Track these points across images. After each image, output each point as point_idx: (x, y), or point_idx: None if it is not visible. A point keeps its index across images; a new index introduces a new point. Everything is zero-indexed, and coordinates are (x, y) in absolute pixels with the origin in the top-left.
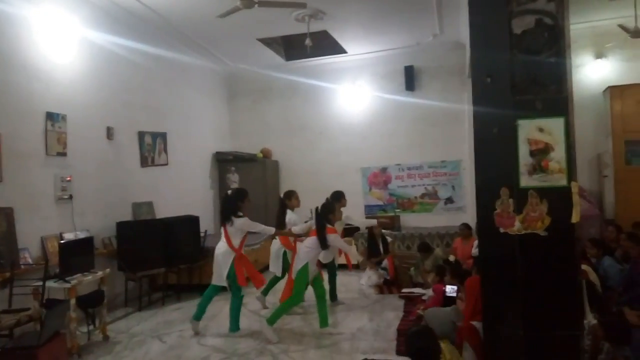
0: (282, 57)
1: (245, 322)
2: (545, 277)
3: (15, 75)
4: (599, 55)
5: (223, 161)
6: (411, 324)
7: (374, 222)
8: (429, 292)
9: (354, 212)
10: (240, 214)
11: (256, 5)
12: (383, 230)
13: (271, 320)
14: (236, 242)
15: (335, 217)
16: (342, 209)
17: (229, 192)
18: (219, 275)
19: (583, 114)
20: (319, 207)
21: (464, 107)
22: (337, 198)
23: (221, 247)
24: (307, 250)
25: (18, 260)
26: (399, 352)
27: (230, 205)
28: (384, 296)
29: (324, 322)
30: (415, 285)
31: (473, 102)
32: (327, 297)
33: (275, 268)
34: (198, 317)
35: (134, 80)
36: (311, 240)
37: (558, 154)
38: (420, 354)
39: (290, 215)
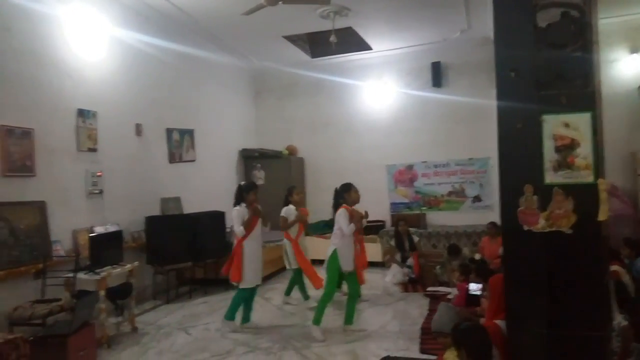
0: (307, 54)
1: (268, 316)
2: (571, 276)
3: (47, 73)
4: (634, 49)
5: (249, 158)
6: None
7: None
8: (454, 290)
9: (379, 210)
10: (243, 204)
11: (280, 3)
12: (409, 229)
13: (316, 320)
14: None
15: (351, 198)
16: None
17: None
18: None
19: (617, 110)
20: (338, 187)
21: (492, 104)
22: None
23: None
24: (332, 239)
25: (51, 253)
26: (422, 351)
27: (236, 195)
28: (409, 294)
29: (349, 320)
30: (440, 284)
31: (497, 98)
32: None
33: (289, 263)
34: (247, 319)
35: (162, 78)
36: (335, 228)
37: (584, 150)
38: (478, 348)
39: (286, 209)
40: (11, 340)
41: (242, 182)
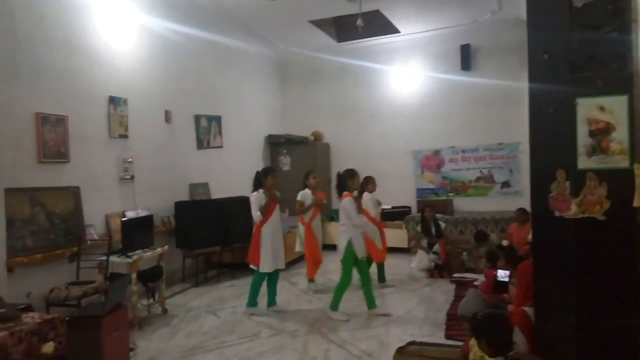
0: (333, 38)
1: (294, 300)
2: (602, 263)
3: (79, 61)
4: None
5: (275, 144)
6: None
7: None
8: (481, 277)
9: (405, 196)
10: (260, 190)
11: None
12: (436, 215)
13: (333, 307)
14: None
15: (354, 185)
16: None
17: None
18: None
19: None
20: (341, 171)
21: (524, 87)
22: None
23: None
24: (342, 229)
25: (84, 236)
26: (448, 337)
27: (255, 181)
28: (435, 280)
29: (371, 304)
30: (467, 270)
31: (529, 80)
32: (375, 278)
33: (300, 246)
34: (272, 302)
35: (190, 66)
36: (343, 218)
37: (620, 135)
38: (498, 337)
39: (302, 193)
40: (49, 320)
41: (260, 168)
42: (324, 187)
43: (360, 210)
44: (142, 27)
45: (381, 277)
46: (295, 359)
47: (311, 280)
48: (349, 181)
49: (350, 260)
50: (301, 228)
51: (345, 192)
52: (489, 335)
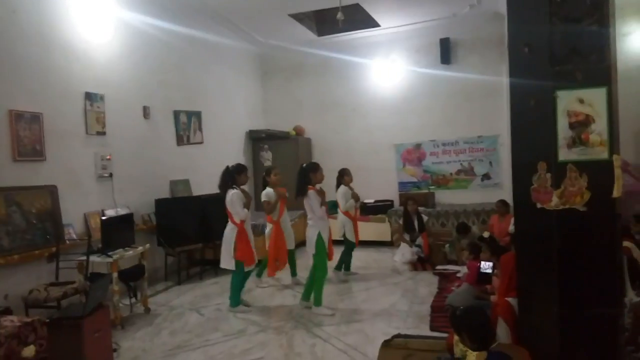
0: (314, 32)
1: (279, 296)
2: (584, 253)
3: (54, 55)
4: None
5: (256, 139)
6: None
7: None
8: (464, 269)
9: (387, 189)
10: (235, 186)
11: None
12: (419, 208)
13: (317, 302)
14: (236, 217)
15: (317, 179)
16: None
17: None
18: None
19: (630, 84)
20: (304, 165)
21: (503, 80)
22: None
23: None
24: (310, 222)
25: (63, 236)
26: (432, 328)
27: (226, 178)
28: (418, 273)
29: (306, 297)
30: (449, 263)
31: (510, 74)
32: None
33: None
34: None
35: (168, 60)
36: (309, 212)
37: (599, 126)
38: (479, 330)
39: (266, 191)
40: (29, 323)
41: (230, 165)
42: (279, 182)
43: (324, 203)
44: (119, 20)
45: (347, 266)
46: (281, 355)
47: (294, 275)
48: (311, 175)
49: (323, 252)
50: (269, 227)
51: (309, 186)
52: (470, 330)
